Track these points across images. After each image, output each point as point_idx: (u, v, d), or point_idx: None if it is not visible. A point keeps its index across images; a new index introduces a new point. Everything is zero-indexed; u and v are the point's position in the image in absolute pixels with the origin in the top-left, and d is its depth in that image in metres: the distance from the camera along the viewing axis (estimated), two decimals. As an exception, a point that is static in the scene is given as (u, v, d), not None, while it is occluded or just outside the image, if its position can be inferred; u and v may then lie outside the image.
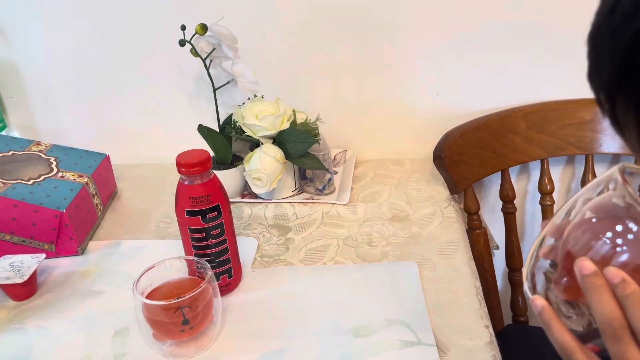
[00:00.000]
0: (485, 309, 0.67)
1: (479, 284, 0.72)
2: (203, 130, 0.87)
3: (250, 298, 0.71)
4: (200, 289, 0.59)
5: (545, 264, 0.44)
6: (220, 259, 0.68)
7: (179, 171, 0.65)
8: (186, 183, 0.65)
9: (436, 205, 0.88)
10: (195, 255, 0.67)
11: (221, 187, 0.67)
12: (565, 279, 0.42)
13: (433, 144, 0.99)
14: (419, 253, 0.77)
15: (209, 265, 0.63)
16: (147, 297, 0.61)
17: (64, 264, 0.79)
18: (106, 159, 0.95)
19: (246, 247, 0.80)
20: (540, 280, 0.44)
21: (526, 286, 0.44)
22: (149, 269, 0.63)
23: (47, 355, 0.63)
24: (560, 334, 0.41)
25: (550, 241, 0.45)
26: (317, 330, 0.64)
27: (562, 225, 0.44)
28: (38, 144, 0.94)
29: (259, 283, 0.73)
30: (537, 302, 0.43)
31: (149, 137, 1.09)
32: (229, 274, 0.70)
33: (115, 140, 1.09)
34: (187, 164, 0.64)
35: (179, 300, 0.58)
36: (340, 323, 0.65)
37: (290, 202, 0.92)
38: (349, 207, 0.90)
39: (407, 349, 0.61)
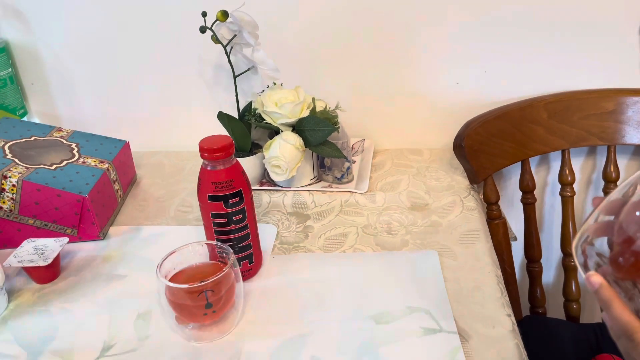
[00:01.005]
0: (507, 298, 0.67)
1: (499, 272, 0.71)
2: (223, 117, 0.87)
3: (271, 284, 0.71)
4: (223, 273, 0.59)
5: (599, 241, 0.43)
6: (241, 245, 0.69)
7: (202, 156, 0.65)
8: (209, 168, 0.65)
9: (456, 195, 0.88)
10: (217, 240, 0.67)
11: (243, 173, 0.67)
12: (621, 257, 0.41)
13: (452, 133, 0.99)
14: (439, 242, 0.77)
15: (231, 250, 0.63)
16: (170, 280, 0.61)
17: (86, 248, 0.80)
18: (126, 145, 0.96)
19: (265, 234, 0.80)
20: (592, 257, 0.43)
21: (577, 262, 0.43)
22: (172, 253, 0.63)
23: (72, 337, 0.64)
24: (622, 313, 0.39)
25: (604, 218, 0.43)
26: (338, 316, 0.65)
27: (618, 202, 0.43)
28: (59, 130, 0.94)
29: (279, 269, 0.74)
30: (594, 279, 0.40)
31: (168, 125, 1.10)
32: (250, 260, 0.71)
33: (135, 128, 1.10)
34: (210, 149, 0.64)
35: (202, 283, 0.58)
36: (360, 310, 0.65)
37: (308, 191, 0.92)
38: (367, 195, 0.89)
39: (428, 336, 0.61)
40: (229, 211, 0.66)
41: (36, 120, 1.12)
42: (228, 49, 0.85)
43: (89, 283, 0.73)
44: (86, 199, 0.79)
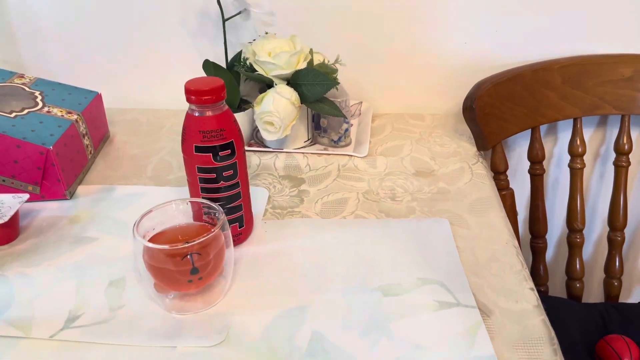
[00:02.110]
0: (528, 271, 0.60)
1: (517, 243, 0.65)
2: (209, 66, 0.78)
3: (263, 250, 0.63)
4: (212, 234, 0.51)
5: None
6: (231, 205, 0.60)
7: (188, 100, 0.56)
8: (196, 114, 0.56)
9: (463, 162, 0.81)
10: (204, 199, 0.59)
11: (235, 122, 0.58)
12: None
13: (456, 98, 0.92)
14: (449, 210, 0.70)
15: (221, 209, 0.54)
16: (150, 241, 0.52)
17: (50, 208, 0.71)
18: (98, 97, 0.86)
19: (256, 197, 0.72)
20: None
21: None
22: (150, 211, 0.54)
23: (31, 306, 0.55)
24: None
25: None
26: (340, 287, 0.57)
27: None
28: (21, 76, 0.83)
29: (272, 235, 0.65)
30: None
31: (145, 79, 0.99)
32: (240, 223, 0.62)
33: (106, 81, 0.99)
34: (198, 91, 0.55)
35: (188, 245, 0.50)
36: (365, 280, 0.58)
37: (302, 153, 0.83)
38: (367, 160, 0.82)
39: (444, 310, 0.54)
40: (219, 165, 0.57)
41: (-4, 68, 1.00)
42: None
43: (53, 245, 0.64)
44: (50, 152, 0.69)
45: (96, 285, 0.57)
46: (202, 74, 0.78)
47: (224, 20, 0.78)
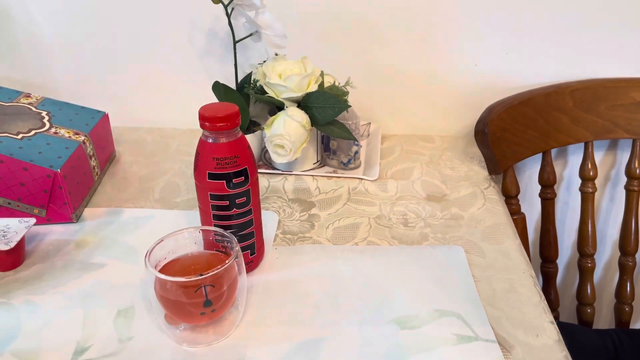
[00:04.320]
0: (546, 303, 0.59)
1: (534, 273, 0.63)
2: (219, 88, 0.77)
3: (275, 278, 0.61)
4: (226, 266, 0.50)
5: None
6: (243, 233, 0.59)
7: (202, 126, 0.55)
8: (210, 141, 0.55)
9: (475, 186, 0.80)
10: (216, 226, 0.57)
11: (249, 149, 0.57)
12: None
13: (465, 120, 0.91)
14: (463, 237, 0.69)
15: (235, 239, 0.53)
16: (161, 272, 0.51)
17: (56, 231, 0.69)
18: (104, 117, 0.85)
19: (266, 222, 0.70)
20: None
21: None
22: (162, 240, 0.53)
23: (38, 337, 0.53)
24: None
25: None
26: (356, 319, 0.56)
27: None
28: (28, 96, 0.82)
29: (283, 262, 0.64)
30: None
31: (152, 98, 0.98)
32: (251, 251, 0.61)
33: (113, 101, 0.98)
34: (213, 117, 0.54)
35: (201, 277, 0.48)
36: (381, 312, 0.56)
37: (312, 175, 0.82)
38: (378, 183, 0.80)
39: (464, 345, 0.52)
40: (232, 192, 0.56)
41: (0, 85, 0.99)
42: (228, 10, 0.74)
43: (60, 272, 0.62)
44: (58, 175, 0.67)
45: (104, 315, 0.56)
46: (211, 93, 0.77)
47: (234, 42, 0.77)
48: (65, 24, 0.93)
